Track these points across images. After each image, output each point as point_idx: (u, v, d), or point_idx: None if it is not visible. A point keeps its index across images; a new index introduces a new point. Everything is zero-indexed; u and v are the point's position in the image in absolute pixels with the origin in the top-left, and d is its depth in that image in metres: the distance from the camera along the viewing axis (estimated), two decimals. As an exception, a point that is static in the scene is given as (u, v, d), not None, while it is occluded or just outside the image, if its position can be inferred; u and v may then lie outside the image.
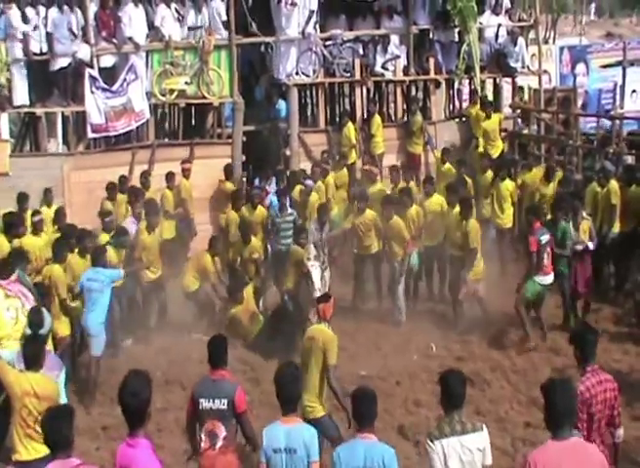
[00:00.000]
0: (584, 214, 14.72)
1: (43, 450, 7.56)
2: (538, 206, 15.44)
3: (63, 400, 8.64)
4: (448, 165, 18.28)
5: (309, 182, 17.29)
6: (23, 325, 10.31)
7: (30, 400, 8.18)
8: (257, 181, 18.63)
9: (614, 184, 15.49)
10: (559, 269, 14.02)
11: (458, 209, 14.81)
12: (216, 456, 8.10)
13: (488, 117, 19.68)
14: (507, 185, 17.02)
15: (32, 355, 8.43)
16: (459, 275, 14.59)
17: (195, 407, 8.21)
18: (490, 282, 14.83)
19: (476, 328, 14.31)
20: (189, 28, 18.43)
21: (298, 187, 17.27)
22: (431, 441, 7.08)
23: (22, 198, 15.13)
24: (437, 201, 15.72)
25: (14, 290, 10.81)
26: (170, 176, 17.22)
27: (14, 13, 16.94)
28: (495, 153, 19.08)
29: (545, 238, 13.59)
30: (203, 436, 8.15)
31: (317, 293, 12.84)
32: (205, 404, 8.13)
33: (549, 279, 13.76)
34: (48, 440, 6.58)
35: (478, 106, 20.01)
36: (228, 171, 18.07)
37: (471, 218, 14.63)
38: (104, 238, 14.06)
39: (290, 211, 16.06)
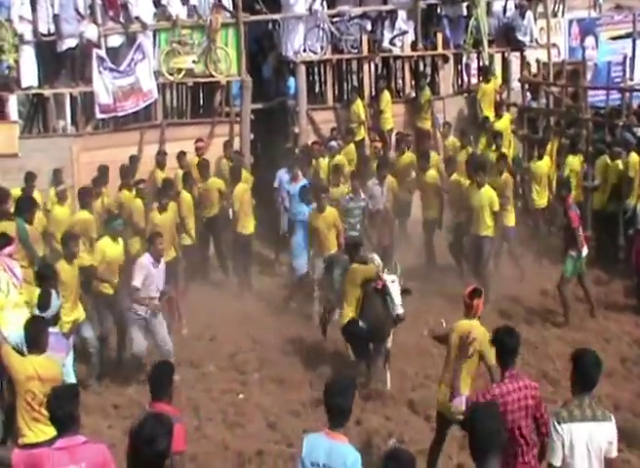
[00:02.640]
0: None
1: (50, 432, 7.53)
2: (567, 180, 15.45)
3: (72, 380, 8.61)
4: (452, 138, 18.37)
5: (333, 144, 17.37)
6: (15, 297, 10.39)
7: (34, 383, 8.17)
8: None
9: (634, 157, 15.52)
10: None
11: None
12: None
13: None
14: (544, 164, 16.89)
15: (33, 337, 8.40)
16: (480, 252, 14.80)
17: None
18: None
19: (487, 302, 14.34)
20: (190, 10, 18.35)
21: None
22: (558, 423, 6.66)
23: (29, 177, 15.16)
24: (432, 175, 16.28)
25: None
26: (181, 156, 17.22)
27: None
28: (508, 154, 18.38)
29: (578, 212, 13.89)
30: None
31: (400, 310, 11.56)
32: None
33: (586, 249, 13.83)
34: (53, 418, 6.62)
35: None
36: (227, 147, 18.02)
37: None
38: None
39: (363, 196, 15.31)
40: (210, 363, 13.04)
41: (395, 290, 11.59)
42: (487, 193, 14.67)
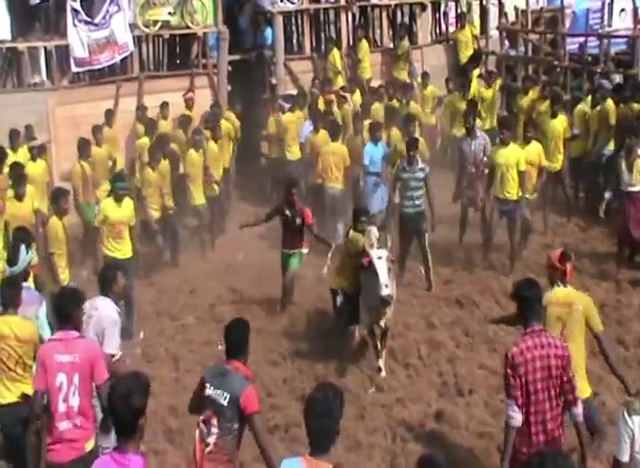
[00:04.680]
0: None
1: (27, 390, 7.97)
2: None
3: (47, 332, 8.57)
4: (430, 87, 18.35)
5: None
6: None
7: (9, 343, 8.07)
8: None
9: (610, 103, 15.46)
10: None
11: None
12: (202, 462, 6.86)
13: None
14: (559, 122, 15.34)
15: (9, 296, 8.30)
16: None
17: (202, 389, 7.06)
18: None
19: (466, 252, 14.40)
20: None
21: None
22: (629, 415, 6.12)
23: (14, 134, 15.00)
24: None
25: None
26: (164, 106, 17.14)
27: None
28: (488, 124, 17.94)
29: None
30: (200, 424, 6.95)
31: (385, 292, 10.39)
32: (209, 390, 6.94)
33: None
34: (56, 314, 7.54)
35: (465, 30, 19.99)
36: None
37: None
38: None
39: (420, 165, 13.42)
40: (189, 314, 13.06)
41: (381, 267, 10.46)
42: (513, 151, 13.57)
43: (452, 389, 10.36)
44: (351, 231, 11.36)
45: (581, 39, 19.07)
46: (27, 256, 9.67)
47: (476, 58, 19.85)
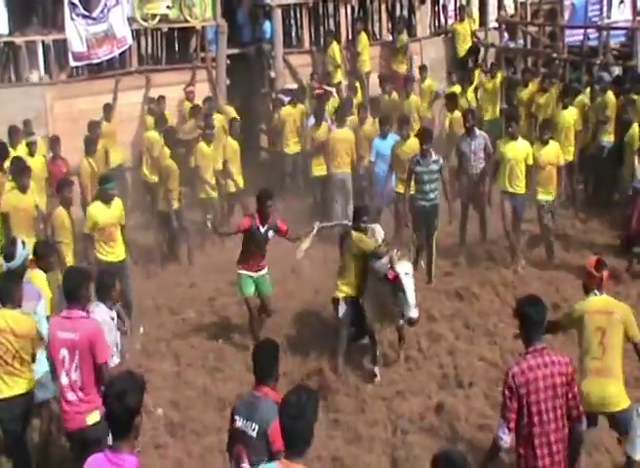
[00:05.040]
0: None
1: (25, 386, 8.16)
2: None
3: (45, 328, 8.55)
4: (428, 81, 18.31)
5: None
6: None
7: (7, 337, 8.06)
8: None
9: (610, 96, 15.45)
10: None
11: None
12: None
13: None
14: (569, 114, 15.40)
15: (6, 291, 8.28)
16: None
17: (231, 423, 6.62)
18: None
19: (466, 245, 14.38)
20: None
21: None
22: None
23: (13, 131, 14.93)
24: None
25: None
26: (160, 100, 17.16)
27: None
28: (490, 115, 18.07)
29: None
30: (231, 461, 6.59)
31: (414, 313, 9.93)
32: (238, 422, 6.48)
33: None
34: (65, 293, 7.89)
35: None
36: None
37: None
38: None
39: (435, 157, 13.15)
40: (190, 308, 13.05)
41: (409, 285, 9.92)
42: (522, 145, 13.53)
43: (452, 381, 10.38)
44: (353, 232, 10.65)
45: (581, 31, 19.00)
46: (24, 251, 9.63)
47: (474, 52, 19.86)
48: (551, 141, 13.71)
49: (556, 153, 13.66)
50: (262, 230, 11.16)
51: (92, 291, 8.16)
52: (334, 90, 17.92)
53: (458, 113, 15.91)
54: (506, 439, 6.53)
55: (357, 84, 18.64)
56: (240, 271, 11.37)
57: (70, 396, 7.70)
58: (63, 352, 7.63)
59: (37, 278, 9.44)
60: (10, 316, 8.17)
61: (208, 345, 11.69)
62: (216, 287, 13.61)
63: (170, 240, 14.83)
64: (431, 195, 13.10)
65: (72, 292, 7.77)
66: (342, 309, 10.73)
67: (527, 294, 7.23)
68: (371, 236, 10.68)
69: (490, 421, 9.33)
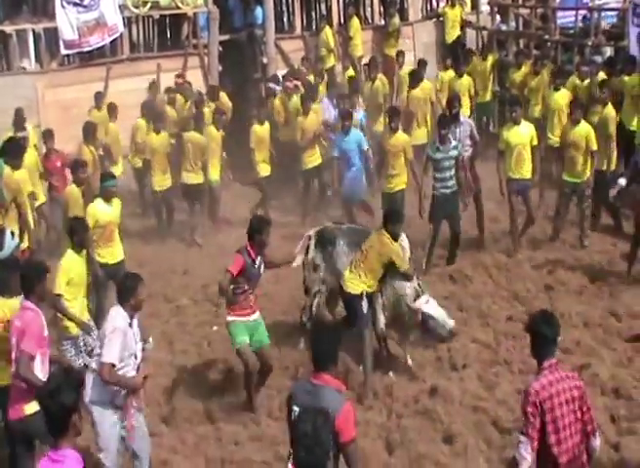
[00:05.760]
0: None
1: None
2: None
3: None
4: (407, 68, 17.95)
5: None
6: None
7: (6, 326, 8.03)
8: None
9: (602, 77, 15.42)
10: None
11: None
12: None
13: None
14: (560, 97, 15.14)
15: (1, 280, 8.27)
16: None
17: (289, 415, 6.34)
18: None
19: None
20: None
21: None
22: None
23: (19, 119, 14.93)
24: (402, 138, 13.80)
25: None
26: (152, 86, 17.25)
27: None
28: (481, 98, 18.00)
29: None
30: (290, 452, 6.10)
31: (450, 324, 10.03)
32: (297, 414, 6.12)
33: None
34: (20, 285, 7.94)
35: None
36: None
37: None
38: None
39: (453, 143, 12.85)
40: (184, 296, 13.07)
41: (434, 309, 9.99)
42: (526, 129, 13.36)
43: (446, 364, 10.38)
44: (387, 237, 9.87)
45: (573, 13, 18.98)
46: (13, 242, 9.62)
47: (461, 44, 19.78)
48: (583, 122, 13.41)
49: (586, 134, 13.31)
50: (257, 264, 9.53)
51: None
52: (299, 83, 17.55)
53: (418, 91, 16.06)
54: (529, 458, 6.26)
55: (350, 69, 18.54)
56: (231, 318, 9.51)
57: (17, 382, 7.71)
58: (13, 340, 7.72)
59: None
60: (7, 306, 8.18)
61: (202, 332, 11.69)
62: (210, 274, 13.59)
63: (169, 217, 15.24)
64: (451, 182, 12.82)
65: (27, 284, 7.89)
66: (365, 305, 10.04)
67: (540, 311, 6.97)
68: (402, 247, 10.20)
69: (483, 403, 9.39)
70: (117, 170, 15.28)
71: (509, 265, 13.01)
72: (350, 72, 18.17)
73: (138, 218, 15.68)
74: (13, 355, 7.68)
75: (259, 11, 19.33)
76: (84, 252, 10.02)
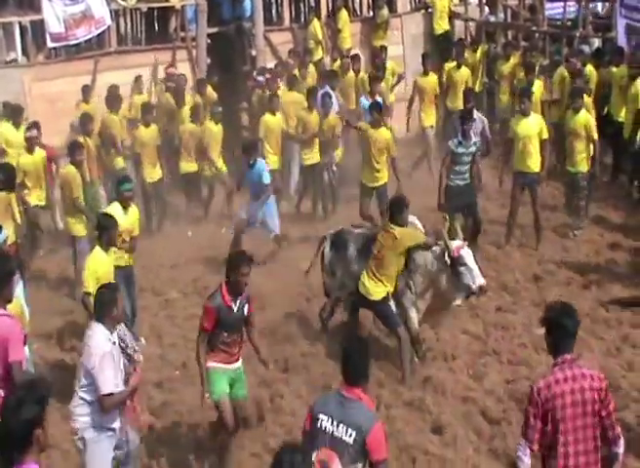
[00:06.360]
0: None
1: None
2: None
3: (26, 310, 8.50)
4: (391, 64, 18.12)
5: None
6: None
7: None
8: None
9: (590, 69, 15.45)
10: None
11: None
12: None
13: None
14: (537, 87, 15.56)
15: None
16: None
17: (312, 423, 6.13)
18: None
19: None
20: None
21: None
22: None
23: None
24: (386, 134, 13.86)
25: None
26: (137, 79, 17.22)
27: None
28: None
29: None
30: (316, 464, 5.96)
31: (481, 280, 9.86)
32: (325, 423, 6.02)
33: None
34: None
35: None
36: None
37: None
38: None
39: (474, 139, 12.98)
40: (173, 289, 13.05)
41: (469, 255, 9.83)
42: (535, 121, 13.32)
43: (435, 355, 10.39)
44: (395, 227, 9.80)
45: (561, 4, 18.97)
46: (1, 236, 9.58)
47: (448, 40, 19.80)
48: (583, 110, 13.52)
49: (585, 122, 13.43)
50: (235, 308, 8.42)
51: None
52: (262, 79, 17.51)
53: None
54: (527, 462, 5.98)
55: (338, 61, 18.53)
56: (210, 364, 8.45)
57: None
58: None
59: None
60: None
61: (191, 325, 11.64)
62: (199, 267, 13.60)
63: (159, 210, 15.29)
64: (467, 175, 12.90)
65: None
66: (393, 305, 10.03)
67: (560, 302, 6.49)
68: (414, 227, 10.19)
69: (473, 394, 9.42)
70: (120, 161, 15.48)
71: (498, 256, 13.02)
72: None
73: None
74: None
75: (247, 3, 19.25)
76: (112, 250, 9.93)
